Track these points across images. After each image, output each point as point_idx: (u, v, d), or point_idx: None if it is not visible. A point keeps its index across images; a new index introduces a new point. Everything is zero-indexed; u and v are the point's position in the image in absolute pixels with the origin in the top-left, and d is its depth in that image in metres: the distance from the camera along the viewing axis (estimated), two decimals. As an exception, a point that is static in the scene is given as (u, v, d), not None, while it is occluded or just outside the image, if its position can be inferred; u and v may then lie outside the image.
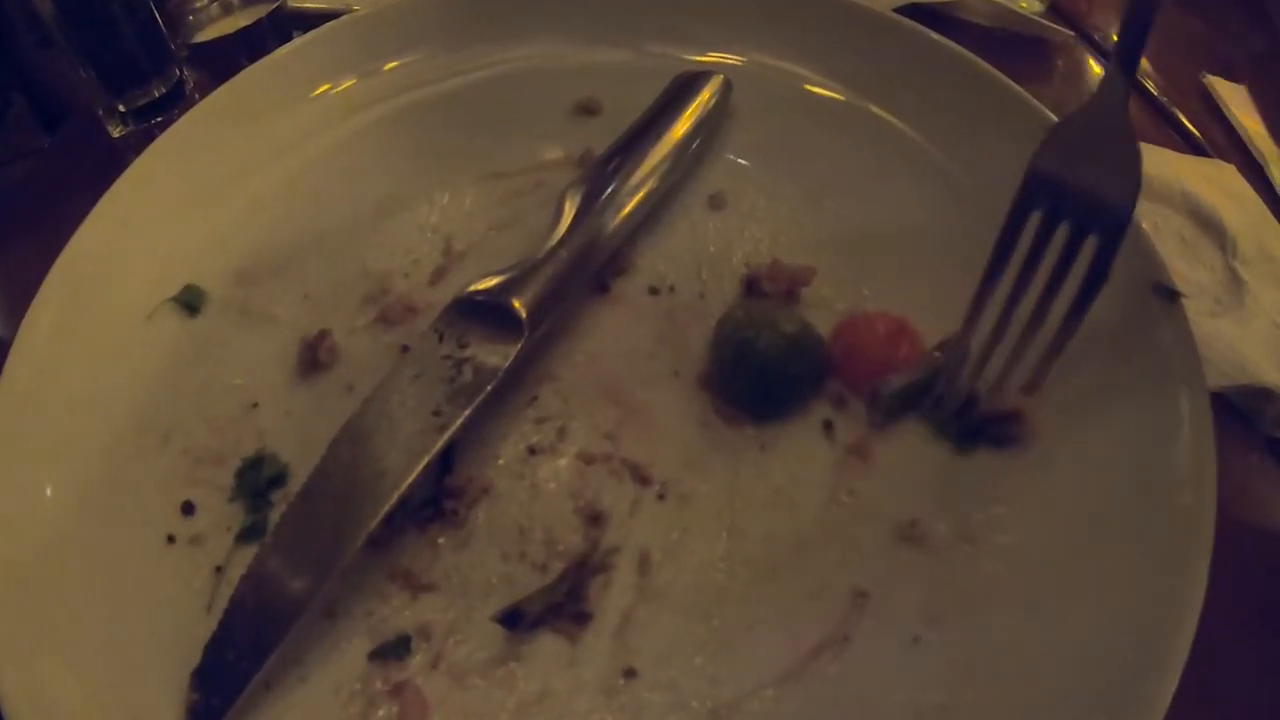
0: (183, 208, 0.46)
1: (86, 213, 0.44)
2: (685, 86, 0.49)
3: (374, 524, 0.36)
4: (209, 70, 0.56)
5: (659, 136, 0.46)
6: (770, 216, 0.47)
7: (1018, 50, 0.60)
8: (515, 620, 0.35)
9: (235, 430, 0.41)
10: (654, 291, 0.44)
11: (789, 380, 0.39)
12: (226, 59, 0.53)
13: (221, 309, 0.45)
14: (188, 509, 0.39)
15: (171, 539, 0.38)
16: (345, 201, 0.48)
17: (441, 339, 0.40)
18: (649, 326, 0.43)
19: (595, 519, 0.38)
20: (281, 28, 0.56)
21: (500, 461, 0.39)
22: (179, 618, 0.36)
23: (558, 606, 0.36)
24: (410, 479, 0.36)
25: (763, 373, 0.39)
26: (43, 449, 0.39)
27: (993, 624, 0.35)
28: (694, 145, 0.47)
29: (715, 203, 0.47)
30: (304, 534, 0.36)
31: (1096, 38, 0.64)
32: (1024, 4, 0.62)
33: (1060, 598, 0.35)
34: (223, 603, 0.36)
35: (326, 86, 0.51)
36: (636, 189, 0.44)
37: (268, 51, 0.50)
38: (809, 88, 0.51)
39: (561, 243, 0.42)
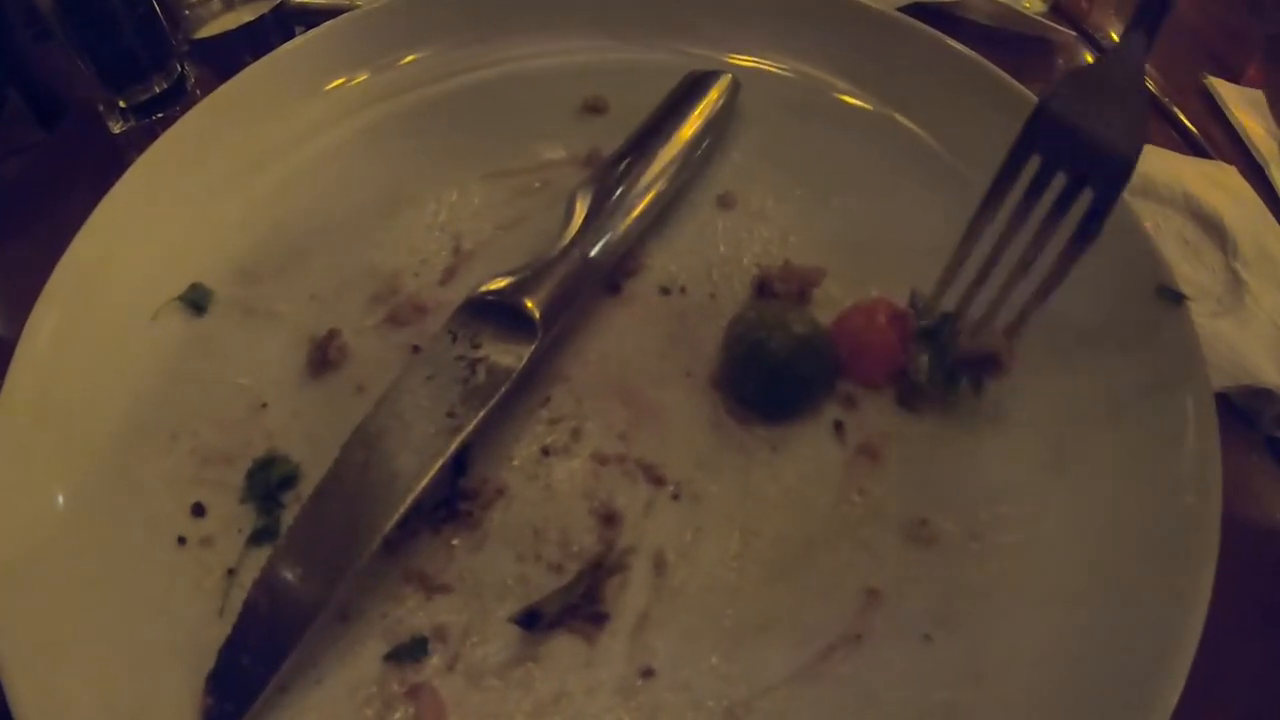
0: (187, 206, 0.46)
1: (86, 210, 0.44)
2: (693, 86, 0.49)
3: (389, 526, 0.36)
4: (211, 66, 0.56)
5: (668, 136, 0.46)
6: (779, 216, 0.47)
7: (1020, 49, 0.61)
8: (532, 621, 0.35)
9: (244, 430, 0.41)
10: (665, 292, 0.44)
11: (800, 381, 0.40)
12: (229, 55, 0.53)
13: (227, 308, 0.44)
14: (198, 510, 0.39)
15: (182, 541, 0.38)
16: (351, 199, 0.47)
17: (454, 339, 0.40)
18: (660, 327, 0.43)
19: (610, 519, 0.38)
20: (284, 24, 0.55)
21: (514, 463, 0.40)
22: (191, 621, 0.36)
23: (574, 607, 0.36)
24: (425, 481, 0.36)
25: (774, 373, 0.39)
26: (49, 452, 0.39)
27: (1001, 623, 0.36)
28: (703, 145, 0.47)
29: (724, 203, 0.47)
30: (318, 536, 0.36)
31: (1098, 37, 0.64)
32: (1026, 3, 0.63)
33: (1067, 597, 0.36)
34: (235, 605, 0.36)
35: (332, 83, 0.51)
36: (646, 189, 0.45)
37: (270, 48, 0.50)
38: (818, 88, 0.51)
39: (573, 243, 0.42)
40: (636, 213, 0.44)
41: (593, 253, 0.42)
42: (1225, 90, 0.62)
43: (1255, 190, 0.55)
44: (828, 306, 0.43)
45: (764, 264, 0.45)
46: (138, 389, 0.42)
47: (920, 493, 0.39)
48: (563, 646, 0.36)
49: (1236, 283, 0.52)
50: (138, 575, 0.37)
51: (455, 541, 0.38)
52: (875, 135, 0.49)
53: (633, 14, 0.52)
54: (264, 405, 0.42)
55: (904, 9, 0.54)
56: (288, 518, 0.38)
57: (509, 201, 0.47)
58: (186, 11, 0.58)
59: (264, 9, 0.54)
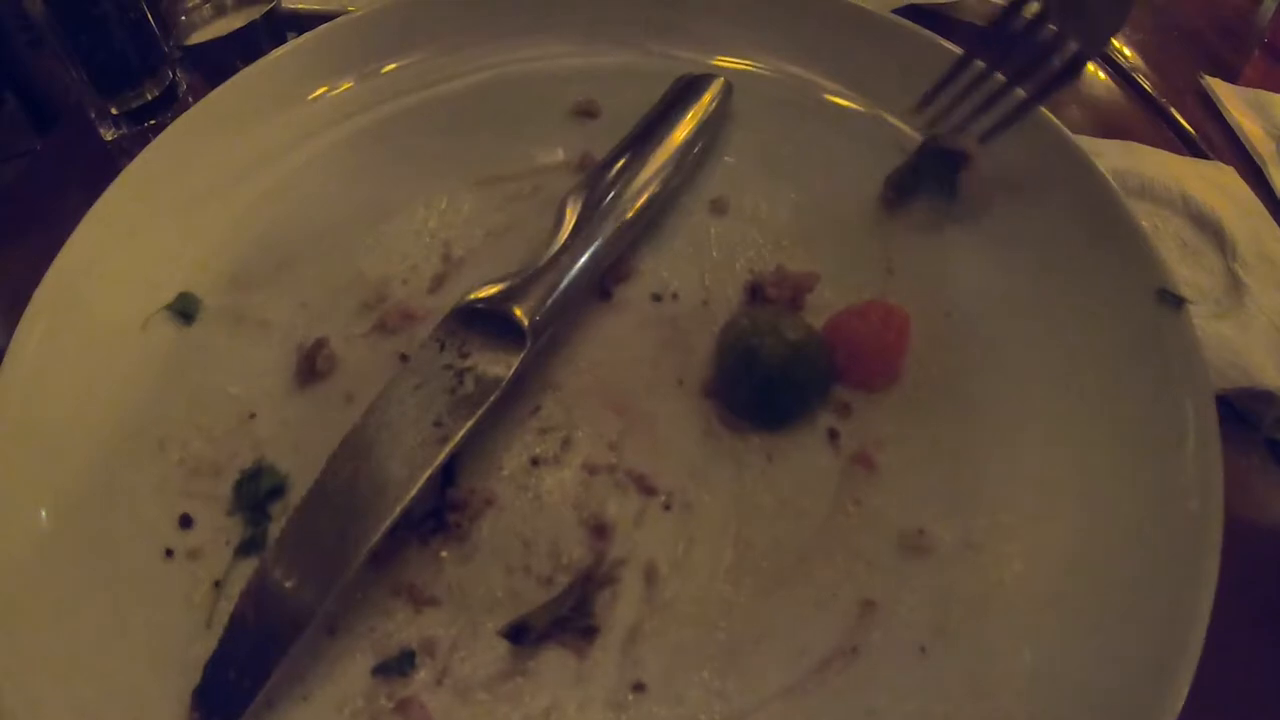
0: (176, 214, 0.45)
1: (78, 216, 0.43)
2: (686, 89, 0.47)
3: (376, 538, 0.34)
4: (202, 72, 0.55)
5: (660, 141, 0.45)
6: (773, 221, 0.46)
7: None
8: (521, 635, 0.34)
9: (232, 441, 0.40)
10: (657, 298, 0.43)
11: (793, 389, 0.38)
12: (220, 61, 0.52)
13: (216, 317, 0.43)
14: (185, 522, 0.38)
15: (170, 553, 0.37)
16: (341, 206, 0.46)
17: (442, 348, 0.38)
18: (652, 334, 0.42)
19: (600, 531, 0.37)
20: (276, 29, 0.54)
21: (503, 473, 0.38)
22: (178, 634, 0.35)
23: (564, 620, 0.35)
24: (412, 492, 0.35)
25: (767, 381, 0.38)
26: (37, 463, 0.38)
27: (1000, 634, 0.35)
28: (695, 149, 0.46)
29: (717, 208, 0.46)
30: (304, 549, 0.35)
31: (1094, 37, 0.63)
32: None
33: (1067, 607, 0.35)
34: (222, 618, 0.34)
35: (322, 89, 0.49)
36: (638, 194, 0.43)
37: (262, 54, 0.49)
38: (812, 91, 0.50)
39: (563, 249, 0.41)
40: (628, 218, 0.42)
41: (583, 259, 0.41)
42: (1223, 90, 0.60)
43: (1254, 191, 0.54)
44: (822, 311, 0.41)
45: (757, 269, 0.43)
46: (126, 399, 0.40)
47: (917, 502, 0.37)
48: (552, 660, 0.34)
49: (1236, 284, 0.50)
50: (124, 588, 0.36)
51: (444, 553, 0.37)
52: (870, 138, 0.48)
53: (624, 17, 0.51)
54: (253, 415, 0.40)
55: (899, 11, 0.53)
56: (275, 529, 0.37)
57: (500, 207, 0.46)
58: (183, 18, 0.57)
59: (255, 15, 0.53)
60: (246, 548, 0.37)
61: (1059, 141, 0.45)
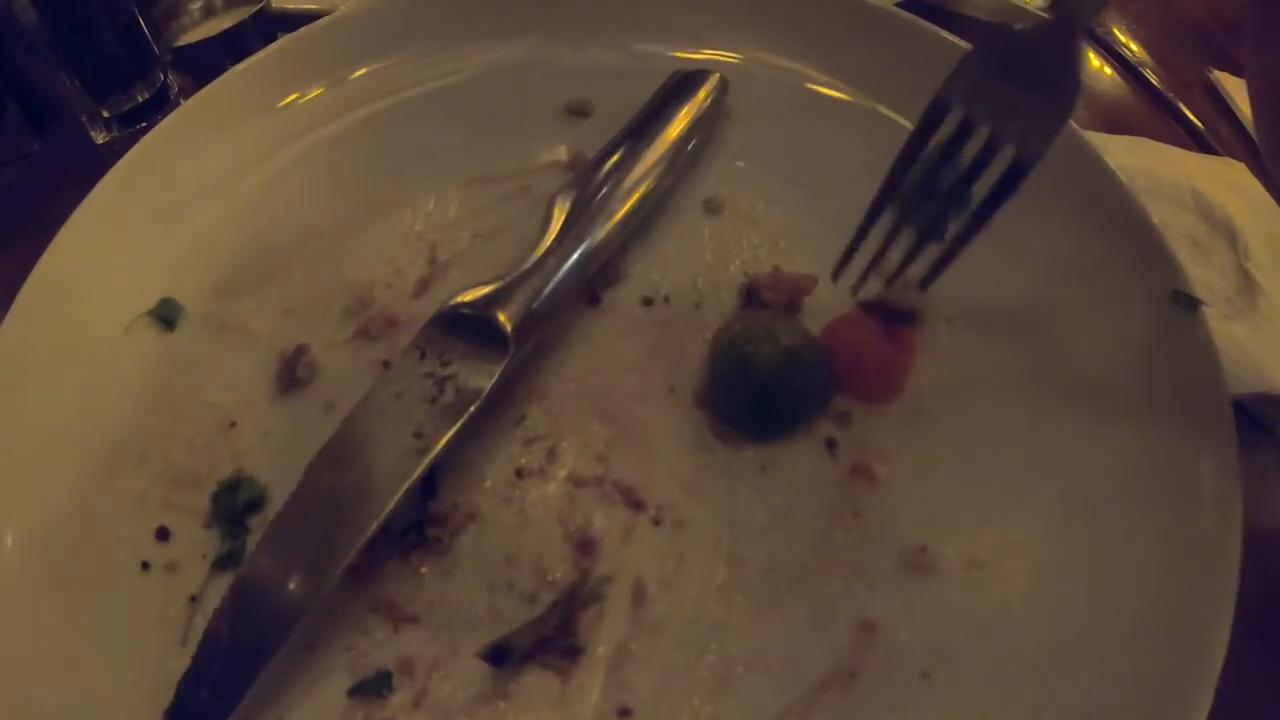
0: (158, 219, 0.42)
1: (73, 220, 0.40)
2: (680, 85, 0.44)
3: (353, 554, 0.32)
4: (193, 74, 0.52)
5: (653, 138, 0.42)
6: (769, 221, 0.42)
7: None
8: (502, 657, 0.31)
9: (213, 451, 0.37)
10: (647, 302, 0.40)
11: (789, 397, 0.35)
12: (210, 62, 0.49)
13: (199, 323, 0.40)
14: (162, 534, 0.35)
15: (146, 566, 0.35)
16: (327, 209, 0.43)
17: (423, 355, 0.35)
18: (642, 340, 0.38)
19: (586, 546, 0.34)
20: (266, 29, 0.51)
21: (486, 485, 0.35)
22: (153, 651, 0.33)
23: (547, 641, 0.32)
24: (391, 505, 0.32)
25: (761, 390, 0.35)
26: (14, 471, 0.36)
27: (1005, 657, 0.32)
28: (689, 147, 0.43)
29: (711, 207, 0.43)
30: (280, 563, 0.32)
31: (1099, 33, 0.59)
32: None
33: (1076, 629, 0.32)
34: (198, 634, 0.32)
35: (304, 92, 0.46)
36: (629, 194, 0.40)
37: (251, 53, 0.46)
38: (810, 86, 0.46)
39: (550, 252, 0.37)
40: (618, 219, 0.39)
41: (570, 262, 0.37)
42: (1231, 84, 0.56)
43: (1266, 187, 0.50)
44: (820, 315, 0.38)
45: (752, 270, 0.40)
46: (106, 408, 0.38)
47: (919, 516, 0.34)
48: (535, 682, 0.32)
49: (1248, 284, 0.46)
50: (100, 602, 0.34)
51: (424, 569, 0.34)
52: (871, 136, 0.44)
53: (618, 11, 0.47)
54: (233, 424, 0.38)
55: (901, 4, 0.49)
56: (254, 542, 0.34)
57: (489, 209, 0.43)
58: (174, 21, 0.54)
59: (244, 15, 0.50)
60: (224, 561, 0.35)
61: (1067, 137, 0.41)
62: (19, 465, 0.36)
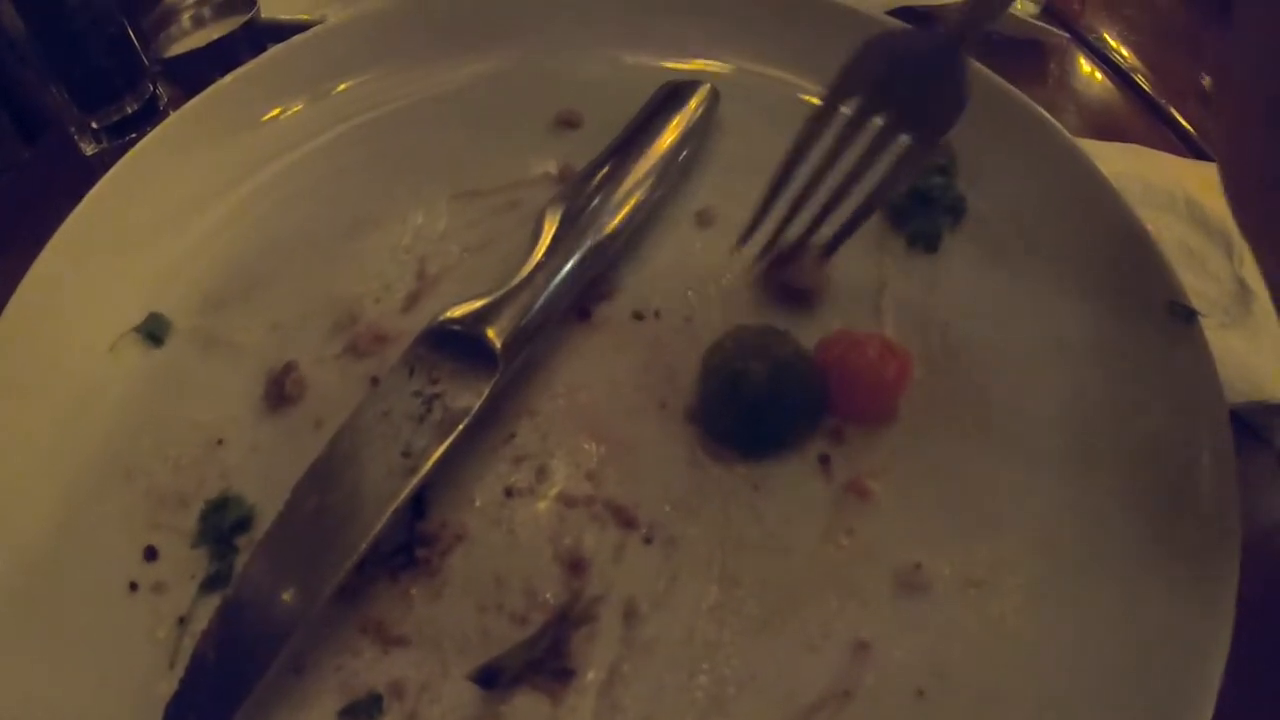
0: (145, 233, 0.41)
1: (61, 232, 0.39)
2: (671, 97, 0.43)
3: (342, 574, 0.31)
4: (182, 85, 0.51)
5: (643, 150, 0.41)
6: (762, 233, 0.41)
7: (1011, 52, 0.55)
8: (492, 679, 0.30)
9: (200, 469, 0.36)
10: (638, 317, 0.39)
11: (782, 414, 0.34)
12: (199, 73, 0.48)
13: (187, 339, 0.39)
14: (150, 554, 0.34)
15: (134, 587, 0.34)
16: (316, 221, 0.42)
17: (412, 373, 0.34)
18: (633, 355, 0.37)
19: (577, 567, 0.33)
20: (254, 40, 0.50)
21: (476, 504, 0.34)
22: (141, 673, 0.32)
23: (538, 663, 0.31)
24: (379, 526, 0.31)
25: (754, 407, 0.34)
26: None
27: (1002, 675, 0.31)
28: (680, 159, 0.42)
29: (703, 220, 0.42)
30: (268, 585, 0.31)
31: (1091, 39, 0.58)
32: (1019, 5, 0.56)
33: (1075, 644, 0.31)
34: (186, 657, 0.31)
35: (292, 104, 0.45)
36: (619, 207, 0.39)
37: (240, 64, 0.45)
38: (802, 96, 0.45)
39: (539, 267, 0.36)
40: (608, 232, 0.38)
41: (560, 277, 0.36)
42: (1225, 90, 0.55)
43: (1260, 194, 0.49)
44: (813, 330, 0.37)
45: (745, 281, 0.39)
46: (93, 426, 0.37)
47: (914, 534, 0.33)
48: (526, 705, 0.31)
49: (1244, 291, 0.45)
50: (87, 623, 0.33)
51: (413, 590, 0.33)
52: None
53: (608, 22, 0.46)
54: (220, 442, 0.37)
55: (892, 12, 0.48)
56: (242, 563, 0.33)
57: (479, 222, 0.42)
58: (164, 32, 0.53)
59: (233, 26, 0.49)
60: (212, 582, 0.34)
61: (1060, 145, 0.41)
62: (3, 485, 0.35)
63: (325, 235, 0.42)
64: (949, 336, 0.38)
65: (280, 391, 0.37)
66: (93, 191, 0.41)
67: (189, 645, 0.32)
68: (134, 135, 0.50)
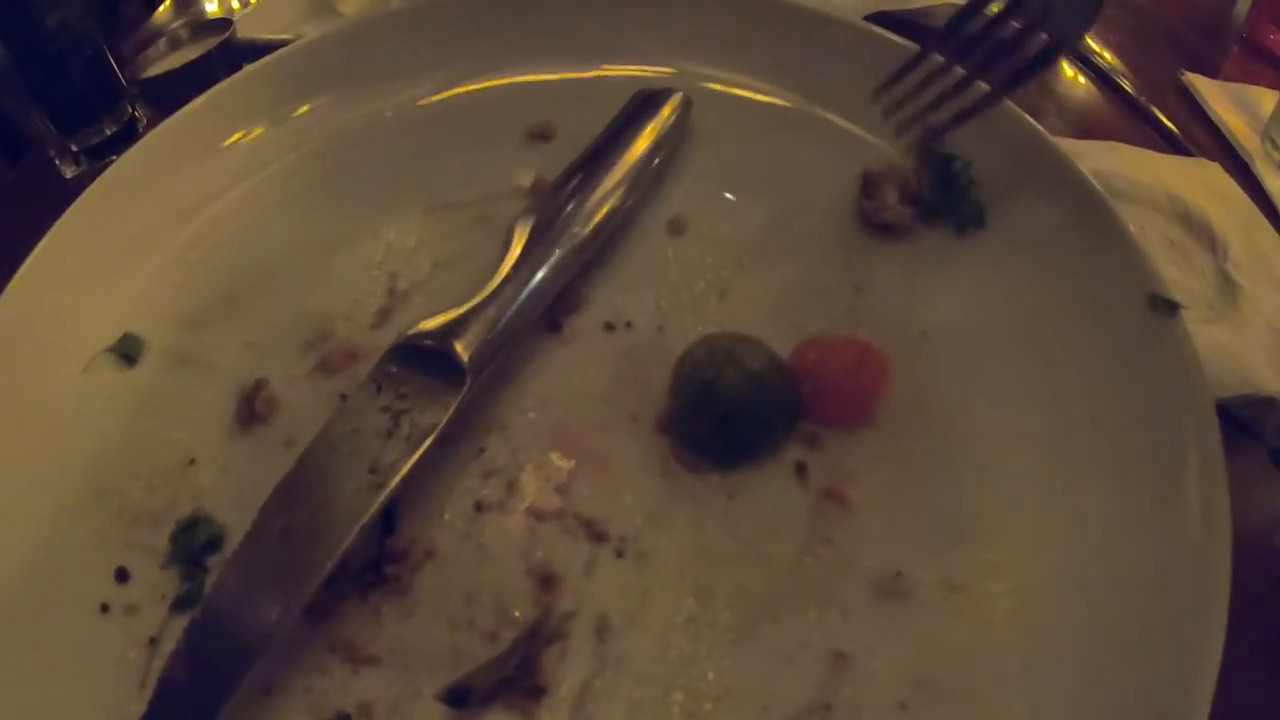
0: (118, 256, 0.40)
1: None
2: (643, 105, 0.42)
3: (310, 593, 0.30)
4: (160, 107, 0.50)
5: (615, 158, 0.40)
6: (735, 241, 0.40)
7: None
8: (462, 698, 0.30)
9: (172, 489, 0.35)
10: (609, 328, 0.38)
11: (755, 422, 0.33)
12: (177, 94, 0.47)
13: (160, 359, 0.39)
14: (122, 575, 0.34)
15: (106, 608, 0.33)
16: (290, 239, 0.42)
17: (379, 389, 0.34)
18: (604, 367, 0.36)
19: (548, 581, 0.32)
20: (231, 60, 0.50)
21: (445, 519, 0.33)
22: (112, 695, 0.31)
23: (509, 680, 0.30)
24: (347, 543, 0.31)
25: (726, 415, 0.33)
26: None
27: (988, 684, 0.30)
28: (652, 167, 0.41)
29: (675, 228, 0.41)
30: (236, 604, 0.31)
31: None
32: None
33: (1062, 652, 0.30)
34: (156, 678, 0.30)
35: (265, 123, 0.44)
36: (590, 216, 0.38)
37: (217, 84, 0.44)
38: (774, 102, 0.44)
39: (508, 279, 0.36)
40: (579, 242, 0.38)
41: (529, 289, 0.36)
42: (1204, 87, 0.54)
43: (1241, 187, 0.48)
44: (787, 336, 0.36)
45: (718, 290, 0.38)
46: (65, 446, 0.36)
47: (893, 541, 0.32)
48: (498, 724, 0.29)
49: (1229, 285, 0.44)
50: (57, 645, 0.32)
51: (383, 608, 0.32)
52: (837, 153, 0.42)
53: (578, 34, 0.46)
54: (192, 461, 0.36)
55: (869, 18, 0.47)
56: (212, 583, 0.33)
57: (451, 236, 0.41)
58: (141, 54, 0.53)
59: (210, 46, 0.49)
60: (182, 603, 0.33)
61: (1036, 142, 0.40)
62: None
63: (299, 252, 0.41)
64: (927, 339, 0.37)
65: (250, 410, 0.36)
66: (64, 216, 0.40)
67: (159, 666, 0.31)
68: (113, 157, 0.49)
